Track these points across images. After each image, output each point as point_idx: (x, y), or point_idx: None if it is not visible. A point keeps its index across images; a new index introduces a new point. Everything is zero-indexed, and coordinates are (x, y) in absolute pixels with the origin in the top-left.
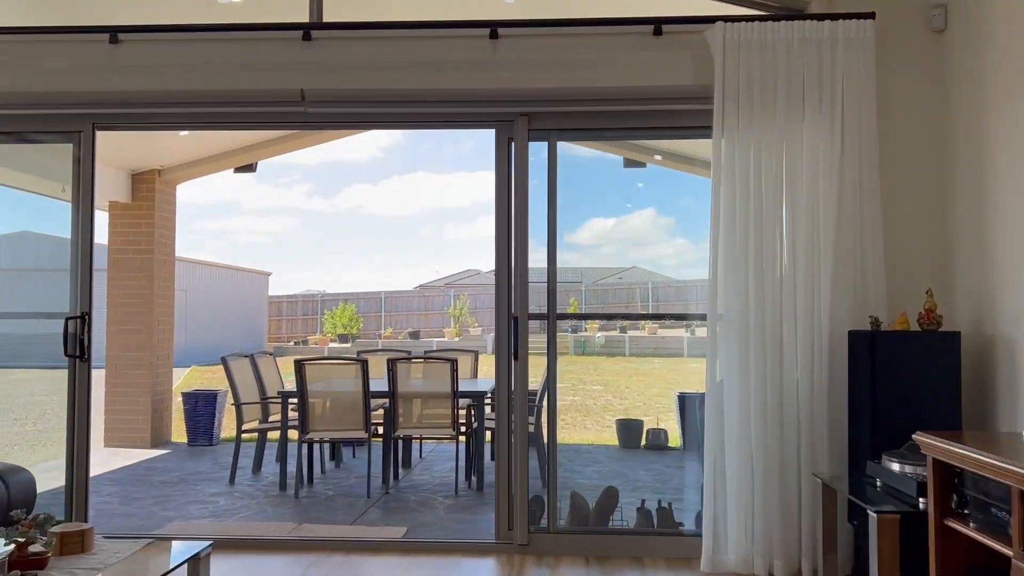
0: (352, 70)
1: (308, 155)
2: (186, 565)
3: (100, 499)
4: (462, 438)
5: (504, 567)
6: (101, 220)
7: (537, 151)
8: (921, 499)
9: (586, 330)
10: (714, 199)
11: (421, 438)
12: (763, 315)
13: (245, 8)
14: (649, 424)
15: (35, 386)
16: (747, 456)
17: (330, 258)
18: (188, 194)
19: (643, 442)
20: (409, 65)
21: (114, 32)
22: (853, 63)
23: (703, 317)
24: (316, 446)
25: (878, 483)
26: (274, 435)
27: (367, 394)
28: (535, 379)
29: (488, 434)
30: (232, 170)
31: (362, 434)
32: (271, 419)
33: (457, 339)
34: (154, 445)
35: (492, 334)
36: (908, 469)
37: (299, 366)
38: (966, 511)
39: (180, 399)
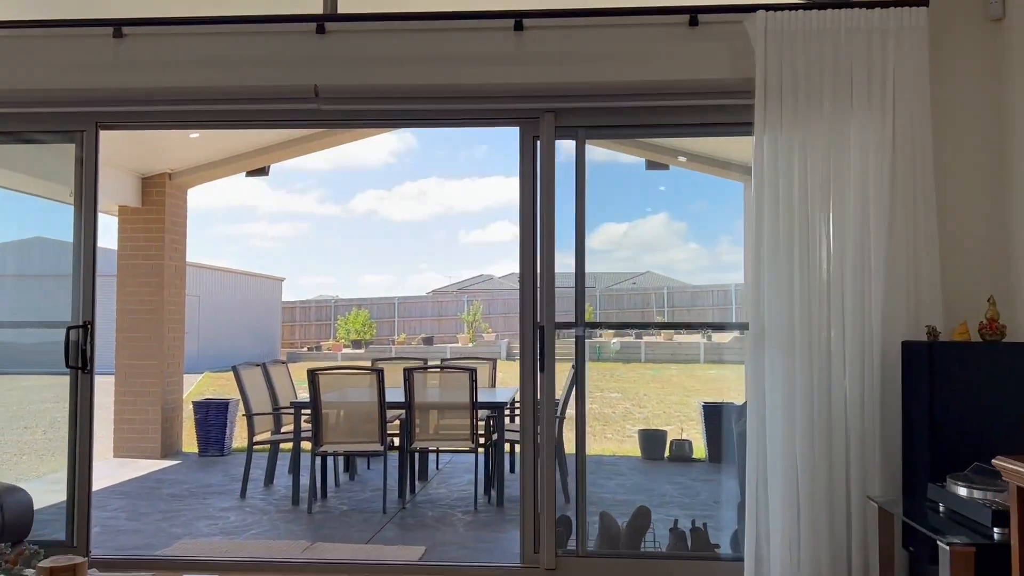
0: (368, 65)
1: (321, 161)
2: None
3: (107, 514)
4: (480, 449)
5: None
6: (110, 225)
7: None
8: (997, 529)
9: (601, 336)
10: (756, 200)
11: (438, 450)
12: (808, 324)
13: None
14: (672, 434)
15: (46, 392)
16: (792, 475)
17: (343, 263)
18: (202, 199)
19: (667, 453)
20: (428, 59)
21: (118, 25)
22: (905, 54)
23: (744, 327)
24: (330, 458)
25: (941, 508)
26: (287, 446)
27: (383, 405)
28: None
29: (507, 446)
30: (244, 174)
31: (378, 447)
32: (283, 430)
33: (471, 345)
34: (164, 455)
35: (506, 340)
36: (978, 494)
37: (312, 376)
38: None
39: (191, 408)
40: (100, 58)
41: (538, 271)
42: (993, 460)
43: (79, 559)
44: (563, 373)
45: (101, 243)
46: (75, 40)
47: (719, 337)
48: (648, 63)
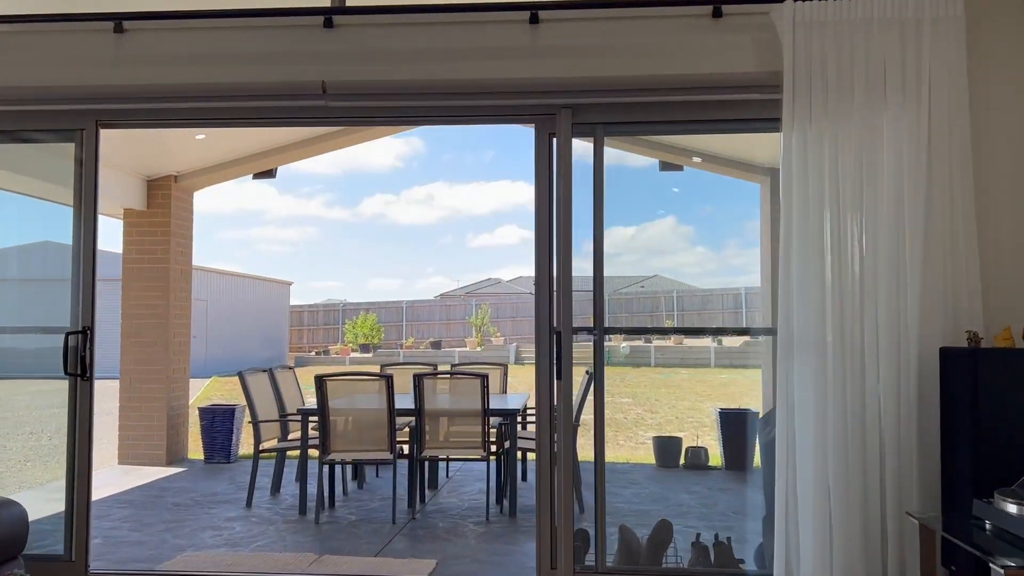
0: (377, 60)
1: (329, 165)
2: None
3: (109, 524)
4: (492, 458)
5: None
6: (116, 229)
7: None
8: None
9: (610, 340)
10: (784, 199)
11: (448, 458)
12: (841, 330)
13: None
14: (687, 441)
15: (54, 397)
16: (823, 488)
17: (351, 267)
18: (210, 204)
19: (682, 461)
20: (440, 54)
21: (118, 20)
22: (941, 45)
23: (769, 332)
24: (338, 466)
25: (987, 526)
26: (294, 453)
27: (392, 412)
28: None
29: (519, 454)
30: (251, 176)
31: (387, 455)
32: (290, 437)
33: (479, 349)
34: (169, 463)
35: (515, 344)
36: None
37: (319, 382)
38: None
39: (197, 414)
40: (100, 54)
41: (554, 274)
42: None
43: None
44: (575, 377)
45: (107, 247)
46: (74, 35)
47: (729, 341)
48: (670, 57)
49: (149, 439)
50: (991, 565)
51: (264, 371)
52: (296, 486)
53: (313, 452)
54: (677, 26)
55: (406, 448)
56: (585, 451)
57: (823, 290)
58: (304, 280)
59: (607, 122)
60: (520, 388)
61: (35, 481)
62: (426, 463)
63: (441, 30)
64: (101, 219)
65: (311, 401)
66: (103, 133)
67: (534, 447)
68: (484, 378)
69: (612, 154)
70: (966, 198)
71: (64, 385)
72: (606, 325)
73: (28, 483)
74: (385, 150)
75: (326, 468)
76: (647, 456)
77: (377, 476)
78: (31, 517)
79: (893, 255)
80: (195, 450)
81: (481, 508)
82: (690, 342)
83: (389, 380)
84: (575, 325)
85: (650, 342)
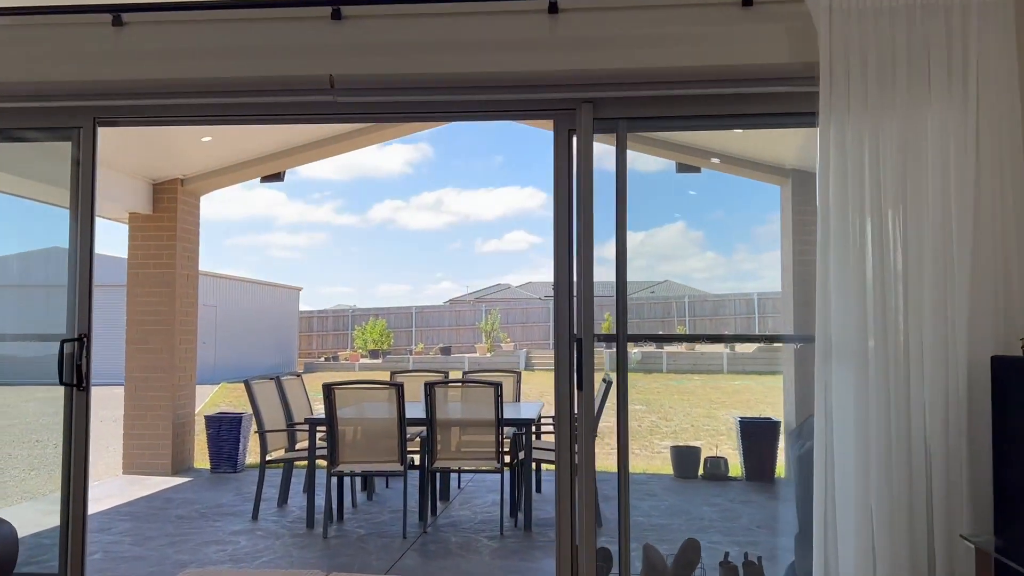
0: (388, 52)
1: (338, 171)
2: None
3: (110, 538)
4: (505, 468)
5: None
6: (121, 233)
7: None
8: None
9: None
10: (821, 197)
11: (460, 470)
12: (884, 337)
13: None
14: (704, 450)
15: (60, 405)
16: (865, 505)
17: (360, 273)
18: (221, 209)
19: (701, 471)
20: (454, 46)
21: (117, 12)
22: (989, 33)
23: (809, 339)
24: (347, 477)
25: None
26: (302, 463)
27: (403, 422)
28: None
29: (532, 464)
30: (259, 179)
31: (397, 466)
32: (298, 446)
33: (489, 355)
34: (175, 472)
35: (525, 350)
36: None
37: (328, 391)
38: None
39: (203, 422)
40: (98, 47)
41: (574, 279)
42: None
43: None
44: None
45: (113, 251)
46: (70, 28)
47: (742, 347)
48: (696, 47)
49: (154, 448)
50: None
51: (271, 379)
52: (304, 497)
53: (321, 462)
54: (704, 15)
55: (417, 459)
56: (601, 460)
57: (864, 295)
58: (314, 286)
59: (630, 117)
60: (531, 395)
61: (39, 491)
62: (437, 474)
63: (455, 21)
64: (107, 223)
65: (319, 409)
66: (102, 131)
67: (549, 458)
68: (498, 387)
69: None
70: (1018, 195)
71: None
72: (611, 332)
73: (32, 493)
74: (394, 156)
75: (334, 479)
76: (663, 466)
77: (387, 487)
78: (33, 530)
79: (939, 257)
80: (201, 459)
81: (495, 522)
82: (702, 348)
83: (399, 389)
84: (598, 332)
85: (662, 348)
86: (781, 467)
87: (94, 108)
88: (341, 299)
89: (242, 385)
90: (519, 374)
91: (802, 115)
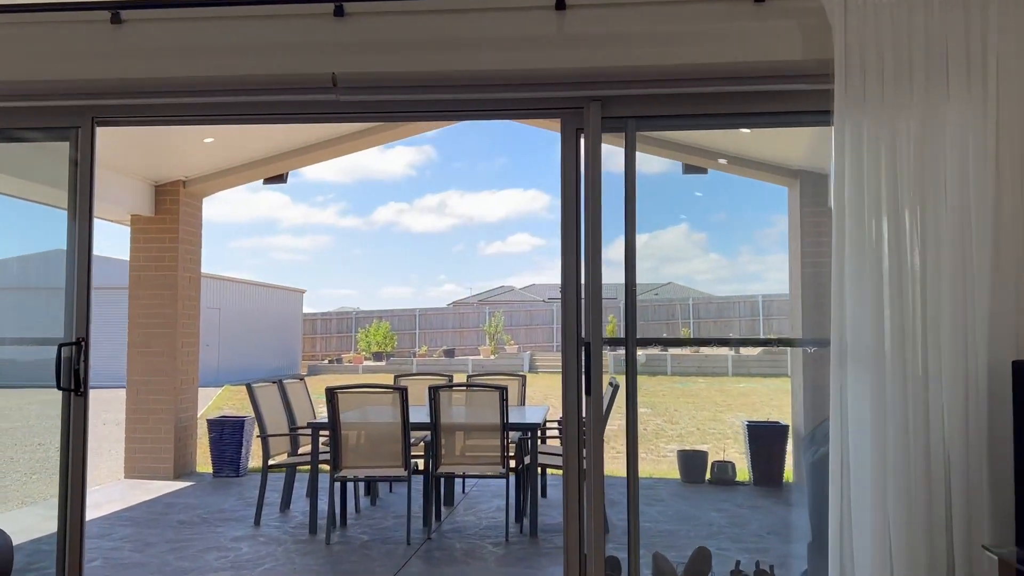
0: (392, 50)
1: (342, 174)
2: None
3: (110, 544)
4: (511, 473)
5: None
6: (123, 235)
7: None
8: None
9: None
10: (836, 197)
11: (464, 475)
12: (901, 341)
13: None
14: (711, 454)
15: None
16: (882, 515)
17: (364, 275)
18: (225, 212)
19: (708, 476)
20: (458, 43)
21: (115, 9)
22: (1011, 26)
23: (823, 343)
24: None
25: None
26: (305, 467)
27: (407, 426)
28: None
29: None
30: (262, 181)
31: (401, 471)
32: (301, 451)
33: (493, 357)
34: (177, 476)
35: (529, 352)
36: None
37: (330, 395)
38: None
39: (205, 426)
40: (96, 46)
41: (582, 281)
42: None
43: None
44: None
45: (114, 254)
46: (68, 26)
47: (747, 350)
48: (707, 45)
49: (156, 452)
50: None
51: (274, 383)
52: (307, 502)
53: (325, 467)
54: (715, 11)
55: (420, 463)
56: (607, 465)
57: (880, 297)
58: (317, 288)
59: (639, 116)
60: (535, 397)
61: (40, 496)
62: (442, 479)
63: (459, 18)
64: (109, 225)
65: (322, 413)
66: (102, 132)
67: (554, 463)
68: (503, 391)
69: (621, 163)
70: None
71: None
72: (621, 336)
73: (33, 497)
74: (398, 158)
75: (337, 484)
76: (670, 470)
77: (391, 491)
78: (32, 535)
79: (958, 259)
80: (204, 463)
81: (500, 527)
82: (707, 350)
83: (403, 393)
84: (607, 336)
85: (666, 350)
86: (789, 472)
87: (92, 107)
88: (344, 301)
89: (245, 387)
90: (524, 377)
91: (816, 113)
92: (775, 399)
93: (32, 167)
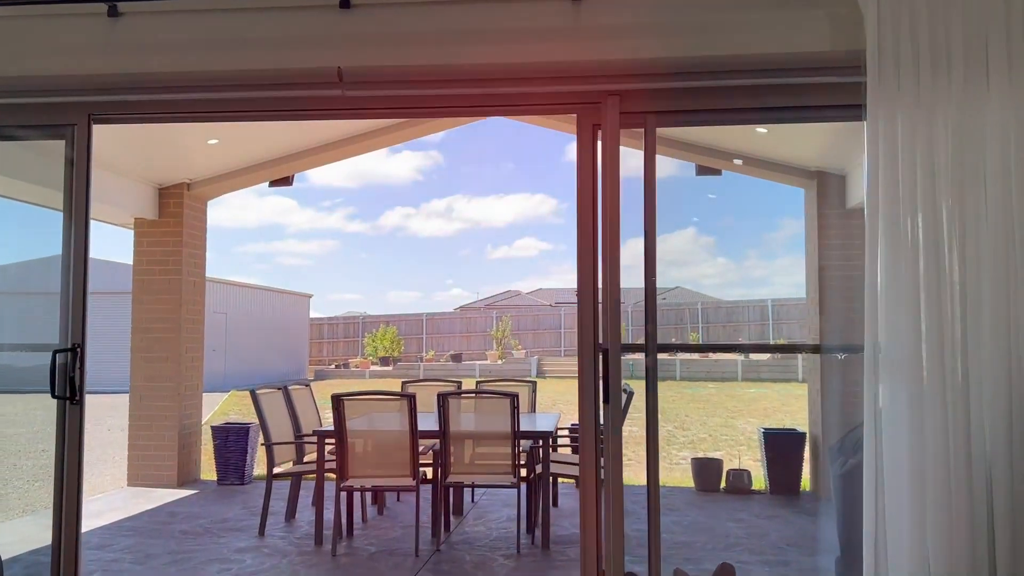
0: (400, 44)
1: (349, 179)
2: None
3: (111, 555)
4: (522, 482)
5: None
6: (126, 239)
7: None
8: None
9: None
10: (869, 195)
11: (473, 485)
12: (939, 348)
13: None
14: (723, 459)
15: None
16: (920, 530)
17: (371, 280)
18: (232, 217)
19: (722, 484)
20: (469, 36)
21: (112, 1)
22: None
23: (854, 349)
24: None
25: None
26: (310, 476)
27: (415, 435)
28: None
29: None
30: (267, 184)
31: (409, 481)
32: (306, 459)
33: (500, 362)
34: (181, 484)
35: (536, 357)
36: None
37: (336, 402)
38: None
39: (210, 432)
40: (92, 40)
41: (599, 285)
42: None
43: None
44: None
45: (117, 258)
46: (63, 19)
47: (756, 356)
48: (730, 36)
49: (159, 459)
50: None
51: (278, 389)
52: (312, 511)
53: (331, 475)
54: (740, 1)
55: (429, 471)
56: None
57: (917, 302)
58: (324, 293)
59: (659, 111)
60: (544, 403)
61: (42, 504)
62: (451, 488)
63: (471, 9)
64: (112, 229)
65: (329, 419)
66: (101, 130)
67: (566, 472)
68: (514, 398)
69: (631, 165)
70: None
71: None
72: (629, 341)
73: (34, 505)
74: (405, 163)
75: (344, 493)
76: (682, 478)
77: (398, 500)
78: (32, 546)
79: (1000, 262)
80: (208, 470)
81: (511, 538)
82: (716, 355)
83: (411, 400)
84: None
85: (675, 354)
86: (806, 480)
87: (88, 104)
88: (351, 306)
89: (250, 394)
90: (534, 383)
91: (845, 108)
92: (788, 405)
93: (33, 168)
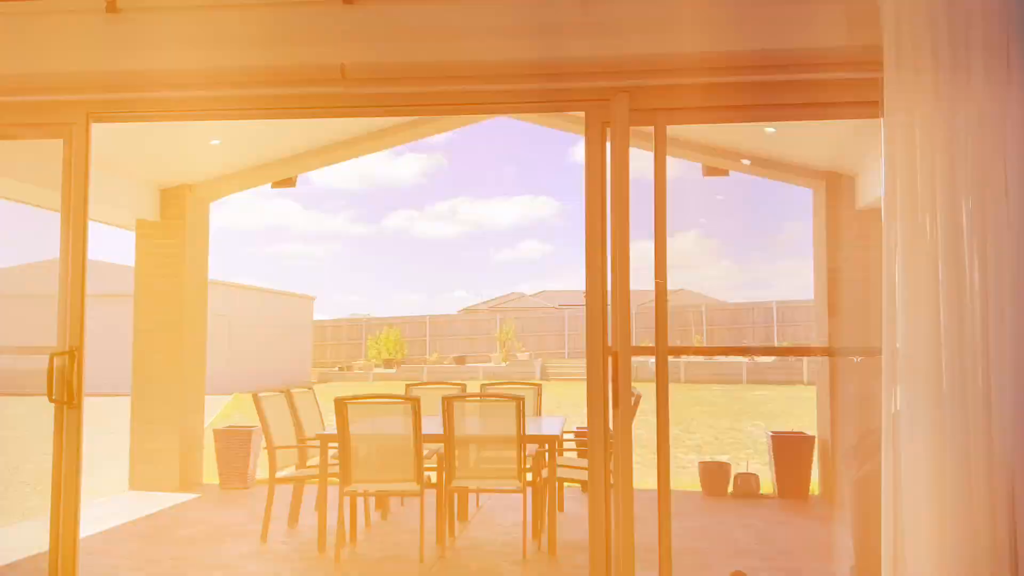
0: (404, 39)
1: (353, 181)
2: None
3: (111, 561)
4: (528, 487)
5: None
6: (128, 241)
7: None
8: None
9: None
10: (887, 194)
11: (479, 490)
12: (959, 353)
13: None
14: (731, 464)
15: None
16: (939, 538)
17: (374, 282)
18: (236, 219)
19: (730, 489)
20: (475, 31)
21: None
22: None
23: (871, 352)
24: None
25: None
26: (313, 480)
27: (419, 439)
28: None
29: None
30: (270, 185)
31: (413, 485)
32: (309, 463)
33: (504, 364)
34: (183, 488)
35: (540, 360)
36: None
37: (340, 406)
38: None
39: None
40: (91, 37)
41: (608, 286)
42: None
43: None
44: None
45: (120, 260)
46: (61, 16)
47: (762, 358)
48: (743, 31)
49: (162, 463)
50: None
51: (281, 392)
52: (315, 515)
53: (334, 480)
54: None
55: (433, 476)
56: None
57: (936, 304)
58: (328, 295)
59: (670, 108)
60: (548, 406)
61: (43, 510)
62: (455, 493)
63: (476, 4)
64: (114, 231)
65: (332, 423)
66: (98, 129)
67: (572, 476)
68: (520, 401)
69: (635, 167)
70: None
71: (85, 403)
72: (634, 344)
73: (35, 511)
74: (408, 165)
75: (347, 498)
76: (689, 482)
77: (402, 504)
78: (31, 551)
79: (1022, 263)
80: (211, 474)
81: (517, 543)
82: (721, 356)
83: (416, 404)
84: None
85: (679, 357)
86: (815, 484)
87: (87, 103)
88: (355, 308)
89: (252, 397)
90: (540, 386)
91: (862, 104)
92: (794, 408)
93: (35, 169)
